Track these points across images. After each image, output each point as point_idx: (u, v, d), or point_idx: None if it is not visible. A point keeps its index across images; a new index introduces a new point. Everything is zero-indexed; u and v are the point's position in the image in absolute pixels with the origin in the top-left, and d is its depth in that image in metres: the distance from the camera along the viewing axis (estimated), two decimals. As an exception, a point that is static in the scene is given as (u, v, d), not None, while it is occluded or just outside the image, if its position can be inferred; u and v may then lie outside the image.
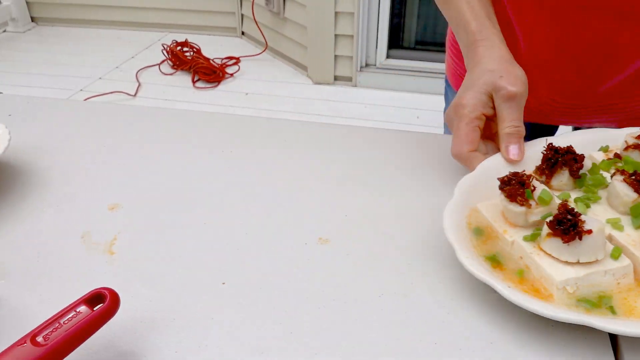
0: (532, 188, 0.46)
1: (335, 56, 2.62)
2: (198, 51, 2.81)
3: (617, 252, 0.42)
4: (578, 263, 0.41)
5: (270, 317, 0.43)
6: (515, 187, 0.46)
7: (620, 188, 0.47)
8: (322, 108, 2.48)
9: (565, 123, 0.82)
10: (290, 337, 0.41)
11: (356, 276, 0.47)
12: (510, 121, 0.54)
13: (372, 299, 0.45)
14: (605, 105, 0.72)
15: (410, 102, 2.52)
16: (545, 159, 0.51)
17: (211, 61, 2.76)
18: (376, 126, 0.73)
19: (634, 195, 0.46)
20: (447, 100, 0.90)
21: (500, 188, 0.47)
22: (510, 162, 0.54)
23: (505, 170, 0.51)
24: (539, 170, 0.52)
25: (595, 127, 0.66)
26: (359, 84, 2.68)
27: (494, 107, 0.56)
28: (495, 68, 0.55)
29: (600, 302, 0.41)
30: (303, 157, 0.64)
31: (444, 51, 0.87)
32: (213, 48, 2.91)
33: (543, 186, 0.47)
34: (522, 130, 0.54)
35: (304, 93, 2.65)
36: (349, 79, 2.69)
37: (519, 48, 0.69)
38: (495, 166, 0.53)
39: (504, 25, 0.62)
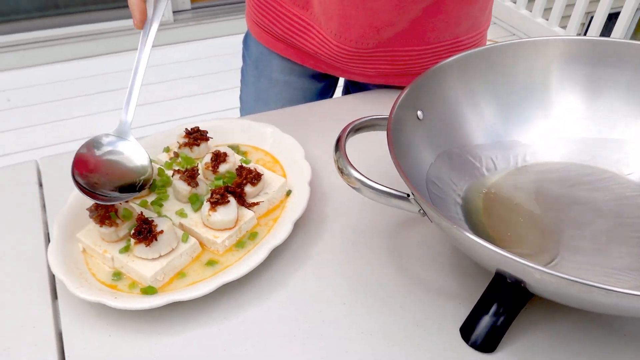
0: (115, 209, 0.58)
1: None
2: None
3: (185, 237, 0.59)
4: (161, 256, 0.56)
5: None
6: (101, 213, 0.58)
7: (178, 185, 0.63)
8: None
9: (343, 74, 0.88)
10: None
11: None
12: None
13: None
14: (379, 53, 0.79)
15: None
16: (122, 177, 0.64)
17: None
18: None
19: (188, 188, 0.63)
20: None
21: (91, 216, 0.58)
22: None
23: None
24: (120, 187, 0.64)
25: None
26: None
27: None
28: None
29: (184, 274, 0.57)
30: None
31: None
32: None
33: (124, 205, 0.60)
34: None
35: None
36: None
37: None
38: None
39: None
